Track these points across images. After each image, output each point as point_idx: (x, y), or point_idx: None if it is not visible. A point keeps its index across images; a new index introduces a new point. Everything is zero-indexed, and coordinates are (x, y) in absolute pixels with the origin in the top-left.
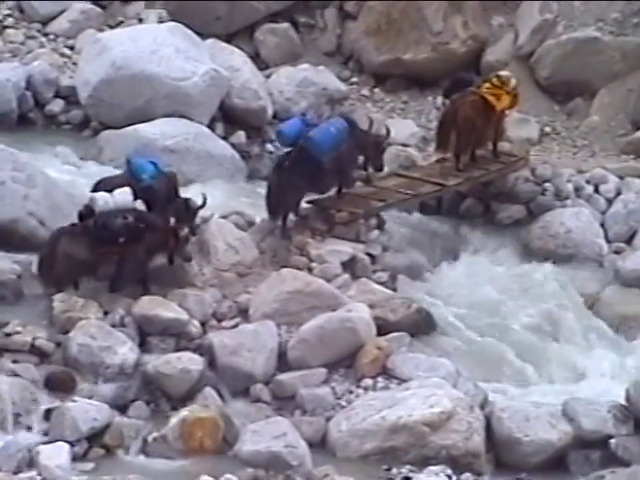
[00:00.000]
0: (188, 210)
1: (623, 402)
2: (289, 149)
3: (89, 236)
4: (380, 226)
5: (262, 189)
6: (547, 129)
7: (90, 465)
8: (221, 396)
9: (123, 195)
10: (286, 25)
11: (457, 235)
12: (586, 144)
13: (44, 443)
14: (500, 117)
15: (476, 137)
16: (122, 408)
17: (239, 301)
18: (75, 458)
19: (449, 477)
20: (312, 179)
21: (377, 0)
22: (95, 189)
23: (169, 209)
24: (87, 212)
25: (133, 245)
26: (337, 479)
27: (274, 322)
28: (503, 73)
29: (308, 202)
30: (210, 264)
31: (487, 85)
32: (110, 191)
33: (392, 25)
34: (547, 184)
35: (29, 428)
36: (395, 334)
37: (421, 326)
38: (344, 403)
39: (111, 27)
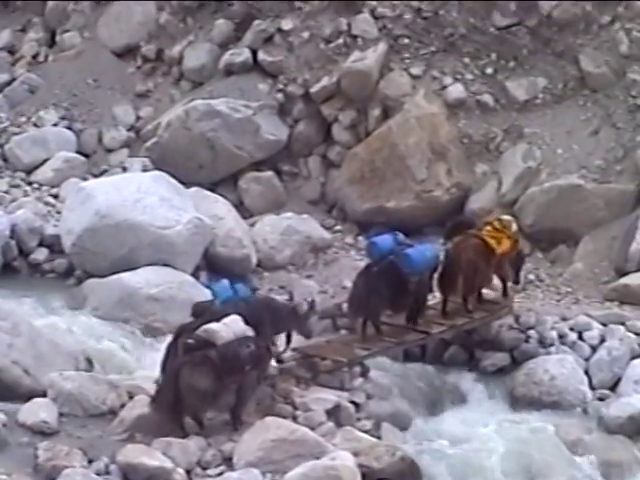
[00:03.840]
0: (297, 317)
1: None
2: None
3: (211, 366)
4: (364, 374)
5: None
6: (531, 276)
7: None
8: None
9: (236, 322)
10: (270, 173)
11: (441, 383)
12: (570, 291)
13: None
14: (500, 261)
15: (479, 280)
16: None
17: (223, 449)
18: None
19: None
20: (394, 294)
21: (360, 148)
22: (194, 313)
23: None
24: (201, 343)
25: (252, 372)
26: None
27: (258, 470)
28: (505, 217)
29: (292, 349)
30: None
31: (488, 228)
32: (199, 317)
33: (375, 173)
34: (531, 331)
35: None
36: None
37: (406, 474)
38: None
39: (95, 176)
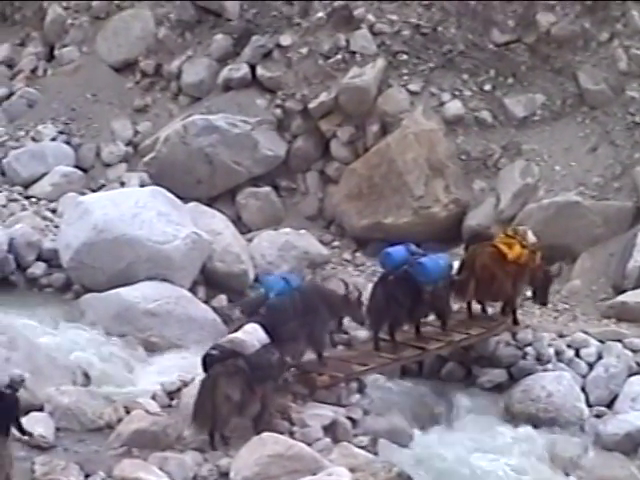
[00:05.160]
0: (349, 305)
1: None
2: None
3: (243, 376)
4: (361, 389)
5: None
6: (528, 293)
7: None
8: None
9: (257, 330)
10: (268, 189)
11: (438, 399)
12: (567, 308)
13: None
14: (517, 271)
15: (496, 287)
16: None
17: (220, 464)
18: None
19: None
20: (410, 304)
21: (358, 164)
22: (242, 311)
23: (314, 321)
24: (227, 354)
25: (274, 381)
26: None
27: None
28: (520, 227)
29: (290, 366)
30: (191, 427)
31: (501, 235)
32: (252, 314)
33: (373, 189)
34: (528, 348)
35: None
36: None
37: None
38: None
39: (93, 190)
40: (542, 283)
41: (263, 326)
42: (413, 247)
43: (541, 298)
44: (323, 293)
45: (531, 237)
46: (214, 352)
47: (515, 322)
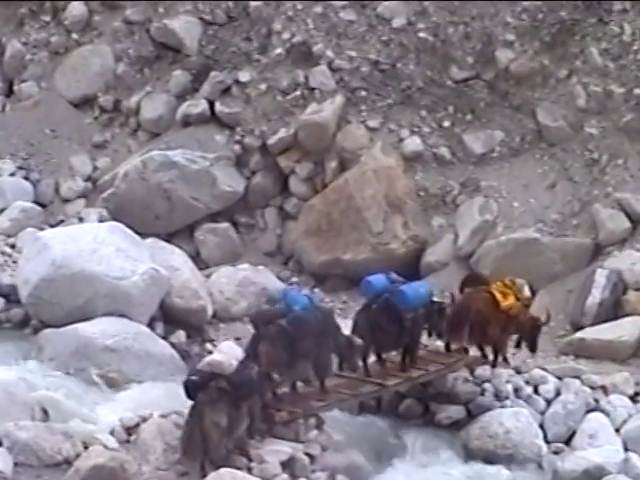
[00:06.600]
0: (351, 347)
1: None
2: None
3: (227, 398)
4: (319, 426)
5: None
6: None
7: None
8: None
9: (231, 348)
10: (226, 225)
11: (396, 436)
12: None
13: None
14: (507, 321)
15: (490, 332)
16: None
17: None
18: None
19: None
20: (395, 331)
21: (317, 200)
22: (253, 322)
23: (326, 343)
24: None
25: (259, 394)
26: None
27: None
28: (519, 280)
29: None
30: (149, 463)
31: (498, 283)
32: (265, 325)
33: (332, 225)
34: (486, 384)
35: None
36: None
37: None
38: None
39: (52, 226)
40: (531, 332)
41: (282, 335)
42: (393, 275)
43: (530, 346)
44: (336, 321)
45: (526, 292)
46: (194, 378)
47: (506, 361)
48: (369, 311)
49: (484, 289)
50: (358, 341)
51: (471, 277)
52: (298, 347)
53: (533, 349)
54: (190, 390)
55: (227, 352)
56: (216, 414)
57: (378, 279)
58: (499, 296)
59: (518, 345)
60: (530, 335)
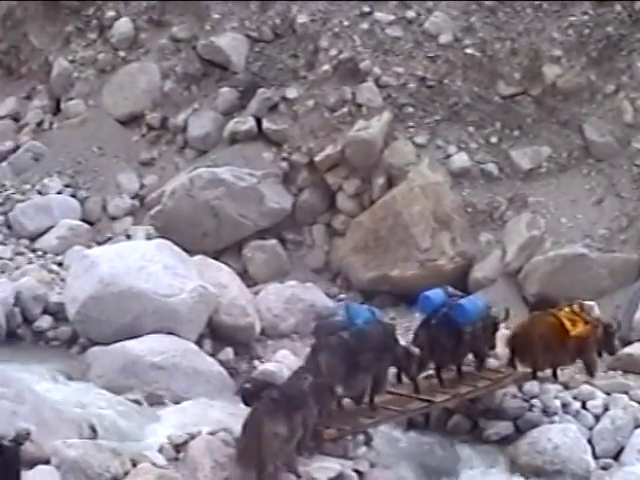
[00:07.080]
0: (409, 357)
1: None
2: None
3: (281, 408)
4: (368, 442)
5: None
6: None
7: None
8: None
9: (287, 357)
10: (274, 242)
11: (445, 452)
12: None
13: None
14: (581, 345)
15: (551, 357)
16: None
17: None
18: None
19: None
20: (453, 345)
21: (364, 217)
22: (315, 333)
23: (387, 358)
24: (260, 386)
25: (314, 406)
26: None
27: None
28: (588, 302)
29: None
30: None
31: (567, 310)
32: (328, 336)
33: (380, 242)
34: (534, 400)
35: None
36: None
37: None
38: None
39: (99, 243)
40: (606, 339)
41: (343, 347)
42: (451, 289)
43: (608, 350)
44: (396, 337)
45: (596, 312)
46: (247, 385)
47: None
48: (428, 326)
49: (551, 313)
50: (415, 351)
51: (541, 300)
52: (359, 360)
53: (612, 353)
54: (246, 397)
55: (281, 361)
56: (274, 424)
57: (436, 294)
58: (568, 324)
59: (600, 354)
60: (606, 342)
